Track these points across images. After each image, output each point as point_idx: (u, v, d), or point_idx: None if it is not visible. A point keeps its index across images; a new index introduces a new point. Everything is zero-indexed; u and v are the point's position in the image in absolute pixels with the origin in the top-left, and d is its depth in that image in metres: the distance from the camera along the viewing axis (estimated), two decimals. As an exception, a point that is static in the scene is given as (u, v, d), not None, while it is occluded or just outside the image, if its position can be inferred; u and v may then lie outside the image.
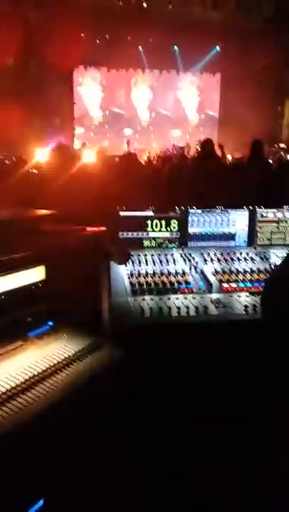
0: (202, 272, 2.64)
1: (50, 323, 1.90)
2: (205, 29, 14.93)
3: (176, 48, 16.63)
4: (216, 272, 2.63)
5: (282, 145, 13.76)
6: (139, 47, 16.53)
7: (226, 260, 2.79)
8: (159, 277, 2.57)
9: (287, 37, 14.44)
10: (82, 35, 15.49)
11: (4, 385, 1.52)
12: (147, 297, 2.40)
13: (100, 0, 14.05)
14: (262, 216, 2.99)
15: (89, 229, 2.00)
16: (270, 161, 8.06)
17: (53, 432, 1.49)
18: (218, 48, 16.67)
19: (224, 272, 2.64)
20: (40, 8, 13.52)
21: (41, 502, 1.52)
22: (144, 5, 14.45)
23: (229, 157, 11.15)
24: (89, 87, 17.44)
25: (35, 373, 1.61)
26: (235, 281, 2.57)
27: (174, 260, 2.75)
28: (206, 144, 5.58)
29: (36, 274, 1.80)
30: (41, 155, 7.39)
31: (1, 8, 13.26)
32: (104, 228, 2.02)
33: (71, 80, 16.82)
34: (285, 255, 1.72)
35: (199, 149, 6.83)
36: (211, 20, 14.85)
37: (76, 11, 13.85)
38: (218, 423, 2.17)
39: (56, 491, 1.56)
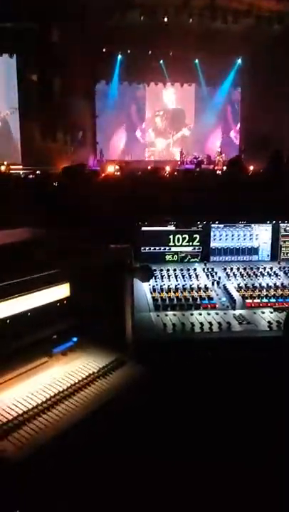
0: (225, 288, 2.63)
1: (75, 339, 1.92)
2: (226, 42, 15.03)
3: (196, 61, 16.75)
4: (240, 288, 2.62)
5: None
6: (160, 61, 16.71)
7: (249, 275, 2.78)
8: (182, 292, 2.57)
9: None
10: (104, 50, 15.77)
11: (30, 401, 1.54)
12: (170, 313, 2.41)
13: (122, 16, 14.27)
14: (285, 231, 2.97)
15: (112, 246, 2.02)
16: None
17: (78, 449, 1.50)
18: (239, 61, 16.72)
19: (248, 288, 2.62)
20: (64, 25, 13.82)
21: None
22: (165, 19, 14.63)
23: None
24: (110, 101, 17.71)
25: (60, 390, 1.63)
26: (259, 296, 2.55)
27: (196, 275, 2.76)
28: (234, 163, 5.60)
29: (61, 292, 1.83)
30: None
31: (26, 26, 13.62)
32: (127, 245, 2.04)
33: (93, 95, 17.08)
34: None
35: (225, 167, 6.87)
36: (232, 33, 14.94)
37: (99, 27, 14.13)
38: (242, 439, 2.16)
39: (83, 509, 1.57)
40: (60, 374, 1.73)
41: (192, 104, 18.47)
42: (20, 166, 14.44)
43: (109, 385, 1.72)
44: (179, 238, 2.93)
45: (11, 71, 16.09)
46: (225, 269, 2.84)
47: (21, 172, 12.54)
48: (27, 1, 12.50)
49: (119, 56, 16.33)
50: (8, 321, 1.63)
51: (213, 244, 2.95)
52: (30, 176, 9.35)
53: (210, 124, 18.53)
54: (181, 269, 2.81)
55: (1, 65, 16.17)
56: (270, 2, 14.06)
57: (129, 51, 16.16)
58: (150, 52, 16.18)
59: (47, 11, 13.05)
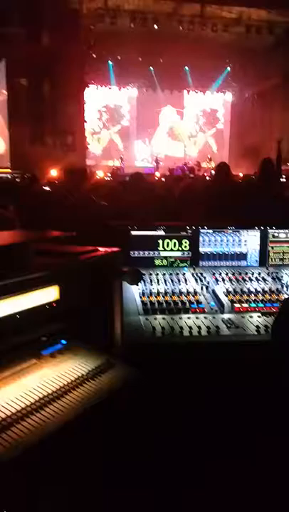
0: (214, 292, 2.65)
1: (64, 341, 1.92)
2: (215, 49, 15.19)
3: (187, 68, 16.89)
4: (228, 292, 2.64)
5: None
6: (150, 67, 16.81)
7: (237, 280, 2.80)
8: (171, 297, 2.58)
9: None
10: (94, 56, 15.83)
11: (18, 403, 1.53)
12: (159, 316, 2.42)
13: (112, 22, 14.34)
14: (273, 236, 3.00)
15: (101, 249, 2.02)
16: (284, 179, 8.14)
17: (66, 451, 1.50)
18: (228, 68, 16.89)
19: (236, 292, 2.64)
20: (54, 31, 13.83)
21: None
22: (155, 26, 14.73)
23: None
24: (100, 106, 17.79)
25: (49, 392, 1.62)
26: (247, 301, 2.58)
27: (185, 280, 2.77)
28: (221, 168, 5.62)
29: (50, 294, 1.83)
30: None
31: (15, 31, 13.60)
32: (116, 249, 2.04)
33: (82, 100, 17.10)
34: None
35: (213, 171, 6.93)
36: (221, 41, 15.10)
37: (89, 33, 14.19)
38: (229, 442, 2.17)
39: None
40: (49, 376, 1.72)
41: (183, 109, 18.59)
42: (9, 170, 14.38)
43: (98, 387, 1.71)
44: (168, 243, 2.94)
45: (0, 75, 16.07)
46: (214, 273, 2.86)
47: (9, 176, 12.48)
48: (16, 5, 12.49)
49: (109, 62, 16.38)
50: (-4, 323, 1.62)
51: (202, 250, 2.97)
52: (18, 180, 9.29)
53: (197, 130, 18.67)
54: (170, 274, 2.82)
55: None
56: (259, 11, 14.24)
57: (119, 57, 16.23)
58: (140, 58, 16.27)
59: (36, 15, 13.06)
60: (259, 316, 2.46)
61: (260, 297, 2.61)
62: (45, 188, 6.52)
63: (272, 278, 2.84)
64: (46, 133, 15.19)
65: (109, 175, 13.60)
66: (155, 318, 2.39)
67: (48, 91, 15.34)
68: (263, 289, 2.69)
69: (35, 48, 14.16)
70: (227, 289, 2.67)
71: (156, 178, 11.27)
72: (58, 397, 1.62)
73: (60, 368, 1.79)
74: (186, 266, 2.94)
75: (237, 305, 2.54)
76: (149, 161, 16.47)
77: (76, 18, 13.84)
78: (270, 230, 3.00)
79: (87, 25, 14.44)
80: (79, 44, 14.42)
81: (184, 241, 2.95)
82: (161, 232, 2.93)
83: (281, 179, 7.79)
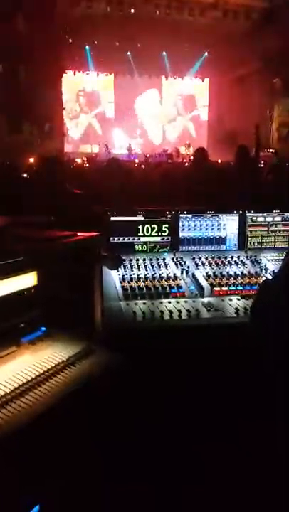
0: (194, 276, 2.66)
1: (43, 328, 1.90)
2: (193, 34, 15.05)
3: (164, 53, 16.74)
4: (208, 276, 2.65)
5: (270, 150, 13.84)
6: (128, 52, 16.62)
7: (217, 264, 2.81)
8: (151, 282, 2.58)
9: (275, 41, 14.56)
10: (70, 40, 15.54)
11: (-2, 391, 1.52)
12: (139, 301, 2.42)
13: (89, 6, 14.08)
14: (252, 220, 3.02)
15: (80, 234, 2.00)
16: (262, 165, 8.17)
17: (47, 437, 1.49)
18: (206, 53, 16.80)
19: (215, 276, 2.66)
20: (29, 15, 13.51)
21: (37, 508, 1.52)
22: (132, 11, 14.51)
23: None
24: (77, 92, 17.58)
25: (29, 379, 1.61)
26: (227, 284, 2.59)
27: (165, 265, 2.77)
28: (199, 153, 5.64)
29: (28, 280, 1.81)
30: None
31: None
32: (95, 233, 2.02)
33: (60, 86, 16.83)
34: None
35: (192, 157, 6.94)
36: (199, 26, 14.96)
37: (65, 17, 13.90)
38: (211, 425, 2.19)
39: (52, 497, 1.56)
40: (28, 363, 1.71)
41: (161, 95, 18.48)
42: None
43: (79, 373, 1.71)
44: (148, 228, 2.93)
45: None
46: (193, 258, 2.86)
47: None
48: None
49: (86, 47, 16.12)
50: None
51: (181, 234, 2.97)
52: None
53: (175, 116, 18.64)
54: (151, 259, 2.82)
55: None
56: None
57: (95, 42, 15.97)
58: (117, 43, 16.03)
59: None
60: (238, 299, 2.48)
61: (239, 280, 2.63)
62: (23, 175, 6.43)
63: (251, 261, 2.86)
64: (24, 120, 14.92)
65: (85, 159, 13.47)
66: (136, 304, 2.39)
67: (25, 77, 15.03)
68: (242, 273, 2.71)
69: (9, 34, 13.81)
70: (207, 273, 2.68)
71: (136, 165, 11.21)
72: (38, 384, 1.61)
73: (40, 355, 1.78)
74: (166, 251, 2.94)
75: (217, 288, 2.55)
76: (127, 148, 16.34)
77: (51, 2, 13.53)
78: (248, 214, 3.02)
79: (63, 9, 14.13)
80: (55, 29, 14.11)
81: (163, 226, 2.94)
82: (141, 218, 2.92)
83: (259, 165, 7.81)
